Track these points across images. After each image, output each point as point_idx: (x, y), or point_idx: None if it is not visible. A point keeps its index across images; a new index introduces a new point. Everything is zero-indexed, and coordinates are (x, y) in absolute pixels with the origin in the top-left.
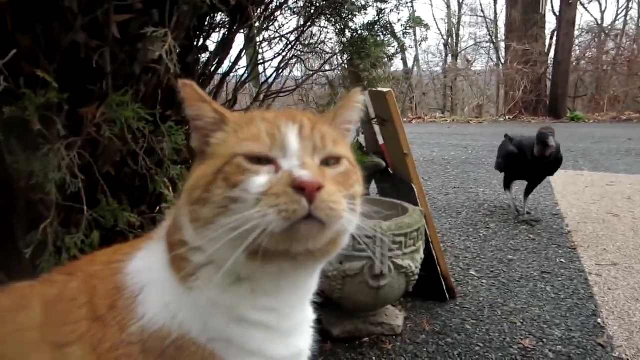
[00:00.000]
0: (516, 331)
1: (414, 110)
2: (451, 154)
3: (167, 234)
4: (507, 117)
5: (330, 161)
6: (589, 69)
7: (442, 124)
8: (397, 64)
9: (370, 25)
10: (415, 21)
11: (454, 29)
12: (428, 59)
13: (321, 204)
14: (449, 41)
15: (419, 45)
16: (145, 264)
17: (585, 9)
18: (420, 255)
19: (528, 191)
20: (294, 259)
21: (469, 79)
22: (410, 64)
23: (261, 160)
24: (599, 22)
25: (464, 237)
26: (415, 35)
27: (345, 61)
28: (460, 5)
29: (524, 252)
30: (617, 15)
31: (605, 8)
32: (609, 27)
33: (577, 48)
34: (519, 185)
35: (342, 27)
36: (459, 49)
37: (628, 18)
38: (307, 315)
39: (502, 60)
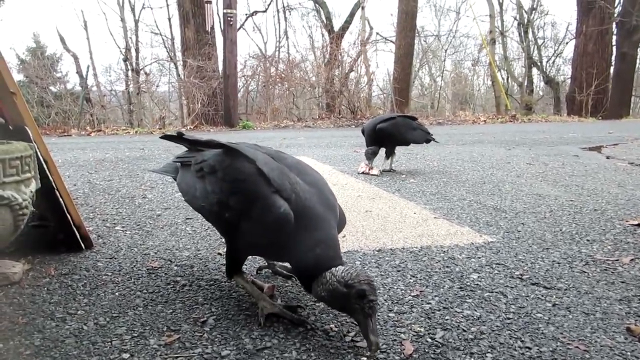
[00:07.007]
0: (148, 258)
1: (94, 124)
2: (126, 154)
3: None
4: (189, 127)
5: None
6: (257, 88)
7: (124, 135)
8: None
9: None
10: None
11: (132, 45)
12: (110, 75)
13: None
14: (128, 57)
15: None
16: None
17: (247, 33)
18: (29, 189)
19: None
20: None
21: (150, 93)
22: (90, 79)
23: None
24: (263, 50)
25: (118, 206)
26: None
27: None
28: (136, 23)
29: (173, 209)
30: (277, 44)
31: (267, 40)
32: (270, 55)
33: (246, 69)
34: None
35: None
36: (139, 65)
37: (281, 47)
38: None
39: (182, 76)
